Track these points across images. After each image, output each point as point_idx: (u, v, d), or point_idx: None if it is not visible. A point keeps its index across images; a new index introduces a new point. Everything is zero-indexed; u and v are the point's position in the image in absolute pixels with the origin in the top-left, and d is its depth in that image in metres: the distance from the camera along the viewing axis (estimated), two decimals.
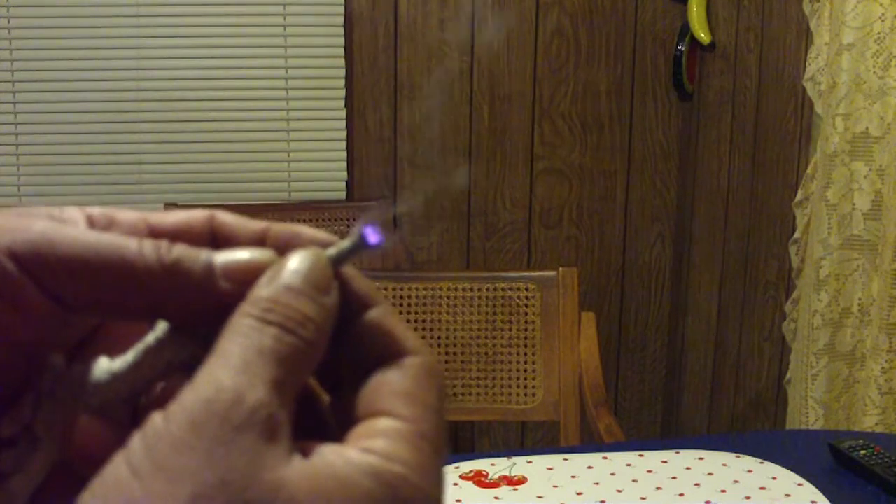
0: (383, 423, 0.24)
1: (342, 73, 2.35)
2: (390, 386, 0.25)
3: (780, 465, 1.10)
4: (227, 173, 2.35)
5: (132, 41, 2.28)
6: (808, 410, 1.86)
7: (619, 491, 1.05)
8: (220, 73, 2.31)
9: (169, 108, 2.31)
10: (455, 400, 1.62)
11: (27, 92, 2.27)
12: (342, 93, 2.36)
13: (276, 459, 0.22)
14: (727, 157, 2.34)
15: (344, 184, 2.39)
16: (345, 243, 0.26)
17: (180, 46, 2.30)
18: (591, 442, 1.65)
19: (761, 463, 1.11)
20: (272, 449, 0.22)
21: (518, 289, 1.65)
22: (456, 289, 1.65)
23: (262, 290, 0.25)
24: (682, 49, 2.36)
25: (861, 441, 1.12)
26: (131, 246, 0.25)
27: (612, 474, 1.09)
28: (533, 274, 1.67)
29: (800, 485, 1.05)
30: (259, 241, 0.27)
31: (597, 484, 1.07)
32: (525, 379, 1.64)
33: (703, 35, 2.31)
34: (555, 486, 1.07)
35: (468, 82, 2.38)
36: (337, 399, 0.27)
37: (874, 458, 1.08)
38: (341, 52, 2.35)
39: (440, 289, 1.64)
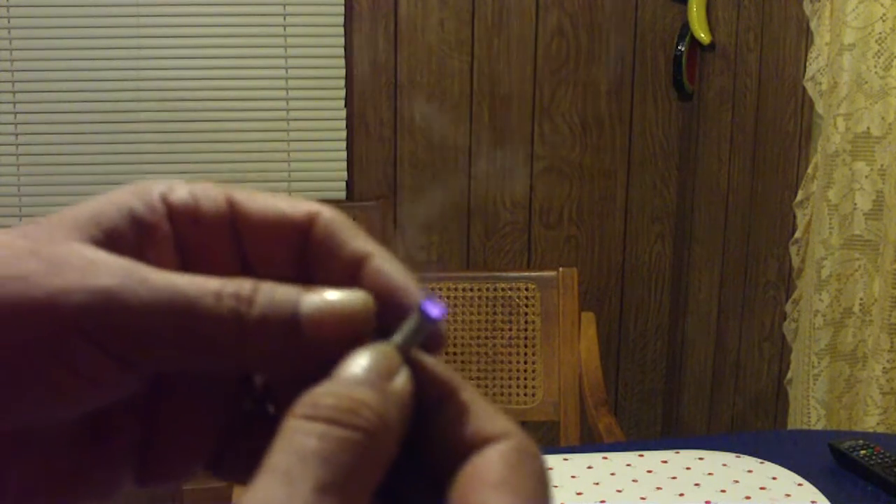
0: None
1: (342, 73, 2.35)
2: (479, 477, 0.22)
3: (780, 465, 1.10)
4: (227, 173, 2.35)
5: (132, 41, 2.28)
6: (809, 410, 1.86)
7: (619, 491, 1.05)
8: (220, 73, 2.31)
9: (169, 108, 2.31)
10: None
11: (27, 92, 2.27)
12: (342, 93, 2.36)
13: None
14: (727, 157, 2.34)
15: (344, 184, 2.39)
16: (407, 325, 0.24)
17: (180, 46, 2.30)
18: (591, 442, 1.65)
19: (761, 463, 1.11)
20: None
21: (518, 289, 1.65)
22: (456, 289, 1.65)
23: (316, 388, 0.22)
24: (682, 49, 2.35)
25: (861, 441, 1.12)
26: (207, 300, 0.23)
27: (612, 474, 1.09)
28: (533, 274, 1.67)
29: (800, 485, 1.05)
30: (356, 267, 0.25)
31: (597, 484, 1.07)
32: (525, 379, 1.64)
33: (703, 35, 2.31)
34: (555, 486, 1.06)
35: (468, 82, 2.38)
36: (429, 500, 0.24)
37: (874, 458, 1.08)
38: (341, 52, 2.35)
39: (440, 289, 1.64)
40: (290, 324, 0.23)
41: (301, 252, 0.26)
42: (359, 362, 0.23)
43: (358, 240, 0.26)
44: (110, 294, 0.22)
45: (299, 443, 0.21)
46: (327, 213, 0.26)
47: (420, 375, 0.24)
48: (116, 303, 0.22)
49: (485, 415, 0.24)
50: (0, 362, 0.22)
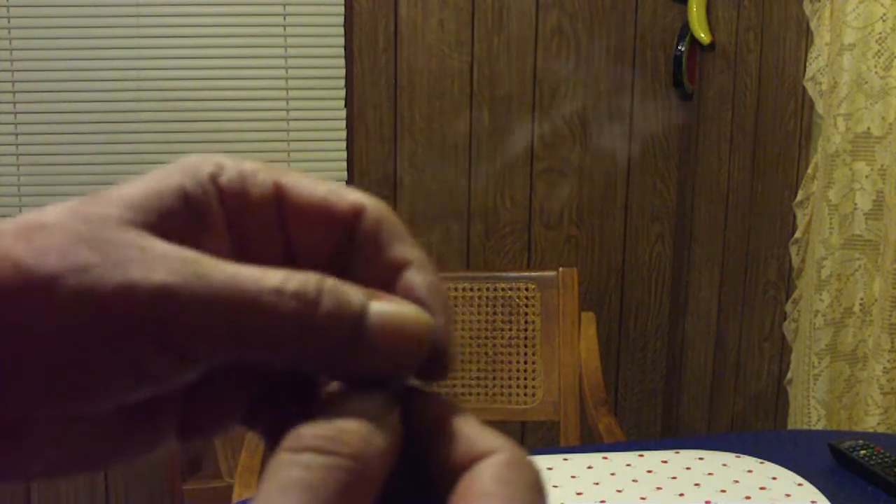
0: None
1: (342, 73, 2.35)
2: (472, 491, 0.22)
3: (780, 465, 1.10)
4: None
5: (132, 41, 2.28)
6: (809, 410, 1.86)
7: (619, 491, 1.05)
8: (220, 73, 2.31)
9: (169, 108, 2.31)
10: (455, 400, 1.62)
11: (27, 92, 2.27)
12: (342, 93, 2.36)
13: None
14: (727, 157, 2.34)
15: (344, 184, 2.39)
16: None
17: (180, 46, 2.30)
18: (591, 442, 1.65)
19: (761, 463, 1.10)
20: None
21: (518, 289, 1.65)
22: (456, 289, 1.65)
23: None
24: (682, 49, 2.35)
25: (861, 441, 1.12)
26: (268, 297, 0.22)
27: (612, 474, 1.09)
28: (533, 274, 1.67)
29: (800, 485, 1.05)
30: (394, 273, 0.26)
31: (597, 484, 1.07)
32: (525, 379, 1.64)
33: (703, 35, 2.31)
34: (555, 486, 1.06)
35: (468, 82, 2.38)
36: None
37: (874, 458, 1.08)
38: (341, 52, 2.34)
39: None
40: (355, 329, 0.23)
41: (344, 242, 0.26)
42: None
43: (402, 244, 0.26)
44: (170, 292, 0.22)
45: (283, 475, 0.21)
46: (375, 209, 0.26)
47: (411, 404, 0.24)
48: (176, 300, 0.22)
49: (476, 434, 0.24)
50: (55, 355, 0.22)
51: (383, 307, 0.24)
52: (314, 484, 0.21)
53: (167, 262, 0.22)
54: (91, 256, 0.22)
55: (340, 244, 0.26)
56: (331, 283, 0.23)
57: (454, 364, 0.25)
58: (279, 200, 0.26)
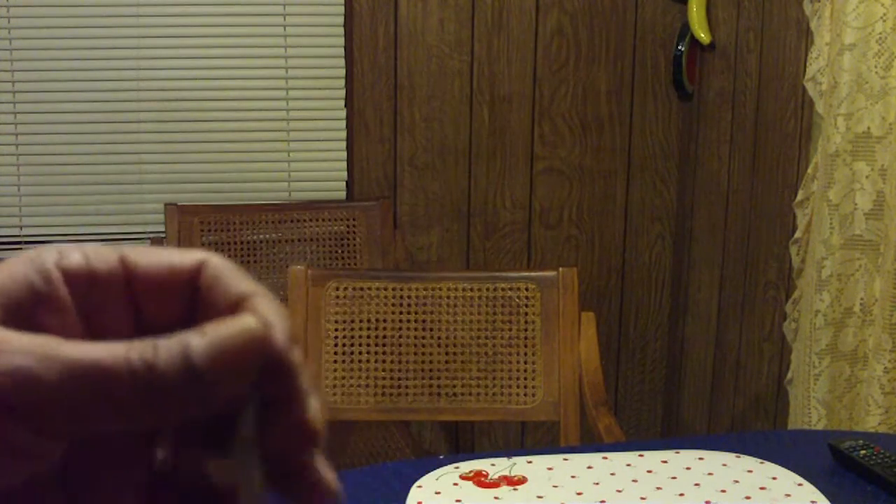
0: None
1: (342, 73, 2.35)
2: None
3: (780, 465, 1.10)
4: (227, 173, 2.35)
5: (132, 41, 2.28)
6: (810, 410, 1.86)
7: (619, 491, 1.05)
8: (220, 73, 2.31)
9: (169, 108, 2.31)
10: (455, 400, 1.62)
11: (27, 92, 2.26)
12: (342, 93, 2.36)
13: None
14: (727, 157, 2.34)
15: (344, 184, 2.39)
16: (246, 415, 0.26)
17: (180, 46, 2.30)
18: (591, 442, 1.65)
19: (761, 463, 1.10)
20: None
21: (518, 289, 1.65)
22: (456, 289, 1.65)
23: None
24: (682, 49, 2.35)
25: (861, 441, 1.12)
26: (119, 367, 0.24)
27: (612, 474, 1.09)
28: (533, 274, 1.66)
29: (800, 485, 1.05)
30: (237, 307, 0.27)
31: (597, 484, 1.07)
32: (525, 379, 1.64)
33: (703, 35, 2.31)
34: (555, 486, 1.06)
35: (468, 82, 2.38)
36: None
37: (874, 458, 1.08)
38: (341, 52, 2.35)
39: (440, 289, 1.63)
40: (188, 365, 0.24)
41: (192, 300, 0.27)
42: None
43: (242, 283, 0.27)
44: (30, 374, 0.23)
45: None
46: (214, 260, 0.27)
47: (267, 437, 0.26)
48: (36, 381, 0.23)
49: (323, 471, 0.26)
50: None
51: (204, 335, 0.24)
52: None
53: (21, 348, 0.24)
54: None
55: (189, 302, 0.28)
56: (163, 340, 0.24)
57: (299, 368, 0.26)
58: (126, 274, 0.27)
